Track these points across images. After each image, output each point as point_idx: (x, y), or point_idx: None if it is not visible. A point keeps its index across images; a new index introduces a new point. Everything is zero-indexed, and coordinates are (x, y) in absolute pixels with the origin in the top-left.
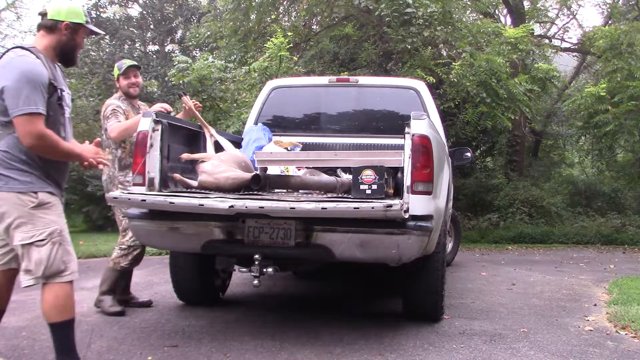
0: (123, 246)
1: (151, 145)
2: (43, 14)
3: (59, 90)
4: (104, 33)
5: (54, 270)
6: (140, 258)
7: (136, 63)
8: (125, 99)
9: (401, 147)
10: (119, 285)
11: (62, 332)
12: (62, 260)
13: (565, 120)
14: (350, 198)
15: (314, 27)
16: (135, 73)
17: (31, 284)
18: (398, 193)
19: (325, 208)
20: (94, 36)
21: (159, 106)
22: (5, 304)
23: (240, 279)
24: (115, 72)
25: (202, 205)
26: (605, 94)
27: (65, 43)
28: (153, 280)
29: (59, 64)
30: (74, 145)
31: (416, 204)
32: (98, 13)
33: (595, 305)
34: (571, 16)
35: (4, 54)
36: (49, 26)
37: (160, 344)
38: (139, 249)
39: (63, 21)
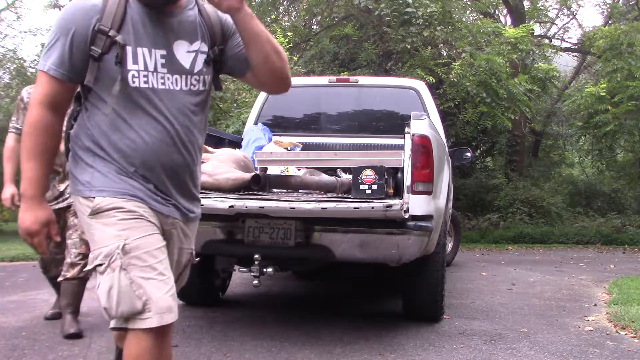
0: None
1: None
2: None
3: (118, 43)
4: None
5: (126, 310)
6: None
7: None
8: None
9: (401, 147)
10: None
11: None
12: (136, 294)
13: (565, 120)
14: (350, 198)
15: (314, 27)
16: None
17: (113, 326)
18: (398, 193)
19: (325, 208)
20: None
21: None
22: None
23: (240, 279)
24: None
25: (202, 205)
26: (605, 94)
27: None
28: None
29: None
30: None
31: (416, 204)
32: None
33: (595, 305)
34: (571, 16)
35: None
36: None
37: None
38: None
39: None
